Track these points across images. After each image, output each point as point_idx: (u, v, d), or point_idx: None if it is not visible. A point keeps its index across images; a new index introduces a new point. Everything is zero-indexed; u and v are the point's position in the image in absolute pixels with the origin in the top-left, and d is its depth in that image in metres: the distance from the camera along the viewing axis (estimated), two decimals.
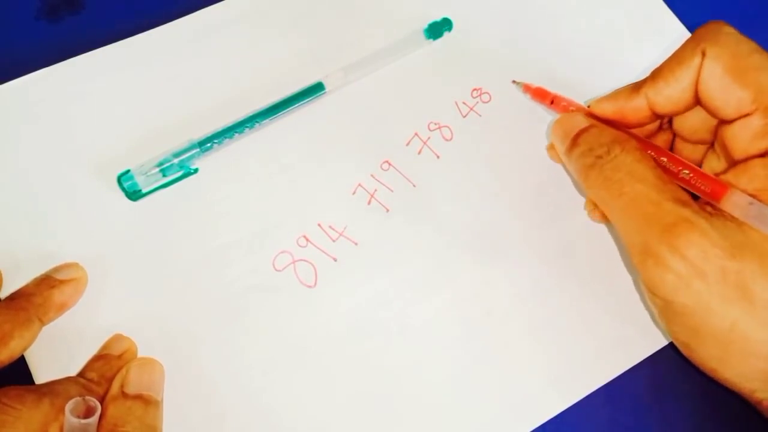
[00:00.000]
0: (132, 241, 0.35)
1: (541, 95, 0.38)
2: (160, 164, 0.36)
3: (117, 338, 0.33)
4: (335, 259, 0.36)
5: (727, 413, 0.34)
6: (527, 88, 0.38)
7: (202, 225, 0.36)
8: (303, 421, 0.33)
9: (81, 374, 0.32)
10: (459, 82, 0.40)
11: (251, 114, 0.37)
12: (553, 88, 0.38)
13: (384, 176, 0.38)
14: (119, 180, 0.35)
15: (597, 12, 0.43)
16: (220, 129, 0.37)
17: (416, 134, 0.39)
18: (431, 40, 0.40)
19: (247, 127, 0.37)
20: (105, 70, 0.39)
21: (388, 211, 0.37)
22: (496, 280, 0.36)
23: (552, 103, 0.37)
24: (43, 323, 0.32)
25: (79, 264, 0.34)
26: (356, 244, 0.36)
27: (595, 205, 0.35)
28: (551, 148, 0.37)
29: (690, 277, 0.28)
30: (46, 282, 0.33)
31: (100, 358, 0.32)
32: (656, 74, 0.33)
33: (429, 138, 0.39)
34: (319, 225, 0.36)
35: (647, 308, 0.36)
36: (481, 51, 0.41)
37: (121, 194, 0.36)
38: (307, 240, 0.36)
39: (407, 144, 0.39)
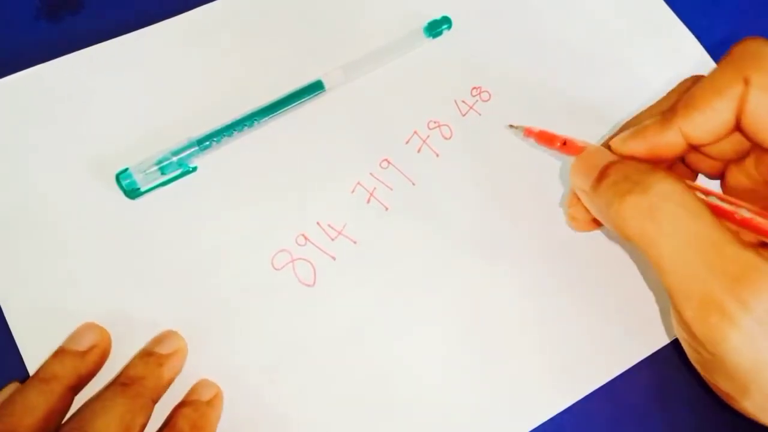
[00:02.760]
0: (130, 240, 0.35)
1: (547, 139, 0.33)
2: (159, 162, 0.35)
3: (204, 384, 0.32)
4: (334, 258, 0.36)
5: (727, 413, 0.34)
6: (529, 132, 0.33)
7: (201, 223, 0.36)
8: (302, 421, 0.33)
9: (168, 423, 0.31)
10: (459, 81, 0.40)
11: (250, 112, 0.37)
12: (553, 87, 0.38)
13: (383, 175, 0.38)
14: (118, 178, 0.35)
15: (597, 11, 0.42)
16: (219, 127, 0.37)
17: (416, 133, 0.39)
18: (431, 38, 0.40)
19: (246, 125, 0.37)
20: (103, 67, 0.39)
21: (387, 209, 0.37)
22: (495, 279, 0.36)
23: (564, 145, 0.32)
24: (155, 403, 0.31)
25: (176, 332, 0.33)
26: (355, 242, 0.36)
27: (586, 213, 0.31)
28: (574, 204, 0.32)
29: (758, 336, 0.24)
30: (154, 361, 0.31)
31: (188, 404, 0.31)
32: (689, 104, 0.28)
33: (428, 136, 0.39)
34: (318, 224, 0.36)
35: (647, 309, 0.35)
36: (481, 50, 0.41)
37: (120, 192, 0.36)
38: (306, 239, 0.36)
39: (407, 142, 0.39)
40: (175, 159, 0.36)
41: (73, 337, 0.32)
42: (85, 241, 0.35)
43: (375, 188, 0.37)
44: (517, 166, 0.38)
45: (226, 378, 0.33)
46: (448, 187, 0.38)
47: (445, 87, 0.40)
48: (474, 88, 0.40)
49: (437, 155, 0.38)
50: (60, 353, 0.31)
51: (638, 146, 0.29)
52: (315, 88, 0.38)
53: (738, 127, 0.28)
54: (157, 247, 0.35)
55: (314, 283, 0.35)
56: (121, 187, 0.35)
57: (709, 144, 0.29)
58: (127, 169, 0.35)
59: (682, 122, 0.28)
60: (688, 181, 0.28)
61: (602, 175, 0.28)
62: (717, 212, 0.27)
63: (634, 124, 0.30)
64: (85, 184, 0.36)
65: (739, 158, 0.30)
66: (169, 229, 0.36)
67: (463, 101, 0.40)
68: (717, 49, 0.41)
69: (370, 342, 0.34)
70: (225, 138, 0.37)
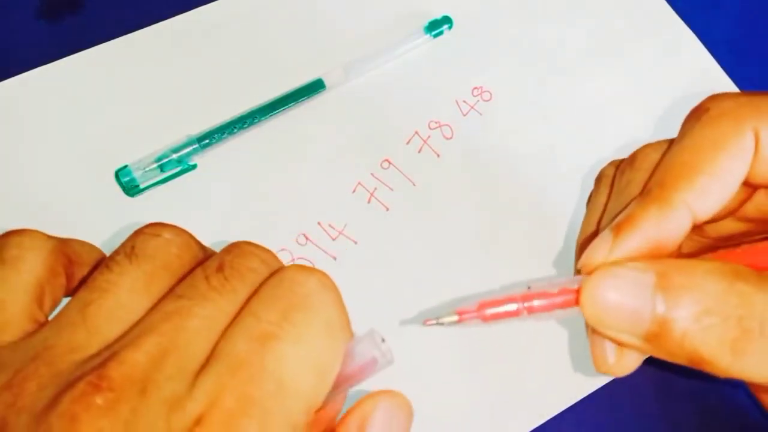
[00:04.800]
0: None
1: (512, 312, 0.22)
2: (159, 160, 0.35)
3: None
4: (335, 258, 0.36)
5: (728, 413, 0.34)
6: (463, 315, 0.22)
7: (200, 222, 0.36)
8: None
9: None
10: (460, 81, 0.40)
11: (250, 110, 0.37)
12: (554, 87, 0.38)
13: (384, 175, 0.38)
14: (117, 175, 0.35)
15: (598, 11, 0.42)
16: (218, 125, 0.37)
17: (416, 133, 0.39)
18: (432, 37, 0.40)
19: (246, 123, 0.37)
20: (104, 66, 0.39)
21: (387, 209, 0.37)
22: (495, 279, 0.36)
23: (559, 302, 0.21)
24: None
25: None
26: (356, 242, 0.36)
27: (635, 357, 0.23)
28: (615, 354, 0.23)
29: None
30: None
31: None
32: (691, 171, 0.22)
33: (429, 137, 0.39)
34: (318, 223, 0.36)
35: None
36: (482, 49, 0.41)
37: (119, 189, 0.35)
38: (307, 238, 0.36)
39: (407, 142, 0.38)
40: (174, 156, 0.36)
41: None
42: (84, 237, 0.35)
43: (376, 188, 0.37)
44: (518, 166, 0.38)
45: None
46: (449, 187, 0.37)
47: (446, 87, 0.40)
48: (475, 87, 0.40)
49: (438, 155, 0.38)
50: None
51: (633, 243, 0.21)
52: (315, 86, 0.38)
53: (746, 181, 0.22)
54: None
55: None
56: (121, 184, 0.35)
57: (721, 217, 0.23)
58: (126, 166, 0.35)
59: (689, 195, 0.21)
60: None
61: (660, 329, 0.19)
62: None
63: (585, 242, 0.24)
64: (84, 182, 0.36)
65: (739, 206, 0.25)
66: None
67: (464, 101, 0.40)
68: (717, 48, 0.41)
69: None
70: (225, 136, 0.36)
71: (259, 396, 0.17)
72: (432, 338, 0.34)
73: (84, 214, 0.35)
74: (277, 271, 0.20)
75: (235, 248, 0.20)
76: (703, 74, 0.41)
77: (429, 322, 0.23)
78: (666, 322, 0.19)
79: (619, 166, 0.25)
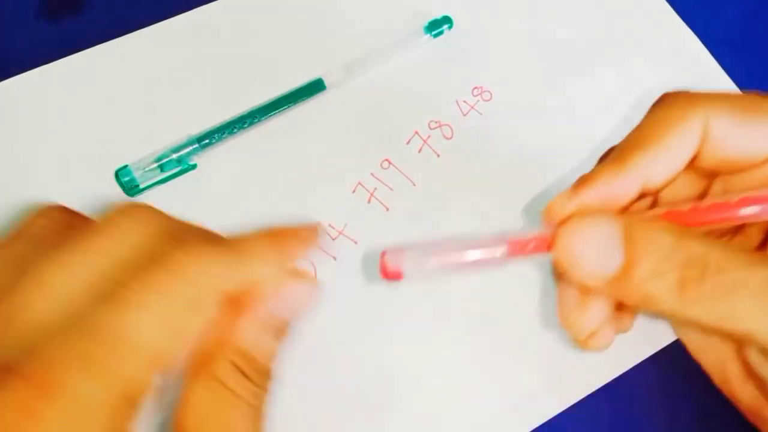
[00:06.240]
0: None
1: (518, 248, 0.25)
2: (158, 160, 0.35)
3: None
4: (335, 258, 0.36)
5: (729, 413, 0.34)
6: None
7: (200, 221, 0.36)
8: (301, 421, 0.33)
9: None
10: (460, 81, 0.40)
11: (250, 110, 0.37)
12: (554, 87, 0.37)
13: (384, 175, 0.38)
14: (117, 175, 0.35)
15: (598, 10, 0.42)
16: (219, 125, 0.37)
17: (416, 133, 0.39)
18: (432, 37, 0.40)
19: (246, 123, 0.37)
20: (104, 66, 0.39)
21: (387, 209, 0.37)
22: (495, 279, 0.36)
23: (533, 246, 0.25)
24: None
25: None
26: (356, 242, 0.36)
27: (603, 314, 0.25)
28: (580, 308, 0.25)
29: None
30: None
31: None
32: (643, 142, 0.25)
33: (429, 137, 0.39)
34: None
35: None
36: (482, 49, 0.41)
37: (119, 189, 0.35)
38: None
39: (407, 142, 0.38)
40: (174, 156, 0.36)
41: None
42: None
43: (376, 188, 0.37)
44: (518, 166, 0.38)
45: None
46: (449, 187, 0.37)
47: (446, 87, 0.40)
48: (475, 87, 0.40)
49: (438, 155, 0.38)
50: None
51: (589, 197, 0.24)
52: (316, 86, 0.38)
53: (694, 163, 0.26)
54: None
55: None
56: (121, 184, 0.35)
57: (665, 185, 0.26)
58: (126, 166, 0.35)
59: (643, 162, 0.25)
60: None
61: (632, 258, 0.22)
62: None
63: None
64: (84, 182, 0.36)
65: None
66: None
67: (464, 101, 0.40)
68: (718, 47, 0.41)
69: (370, 342, 0.34)
70: (225, 136, 0.36)
71: (96, 352, 0.18)
72: (432, 338, 0.34)
73: (85, 214, 0.35)
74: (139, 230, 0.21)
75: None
76: (703, 74, 0.41)
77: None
78: (628, 268, 0.22)
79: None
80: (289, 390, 0.33)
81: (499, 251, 0.25)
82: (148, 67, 0.39)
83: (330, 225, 0.36)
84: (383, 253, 0.25)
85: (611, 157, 0.25)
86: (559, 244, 0.23)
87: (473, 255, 0.25)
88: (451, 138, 0.39)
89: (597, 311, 0.25)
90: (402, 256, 0.24)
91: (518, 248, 0.25)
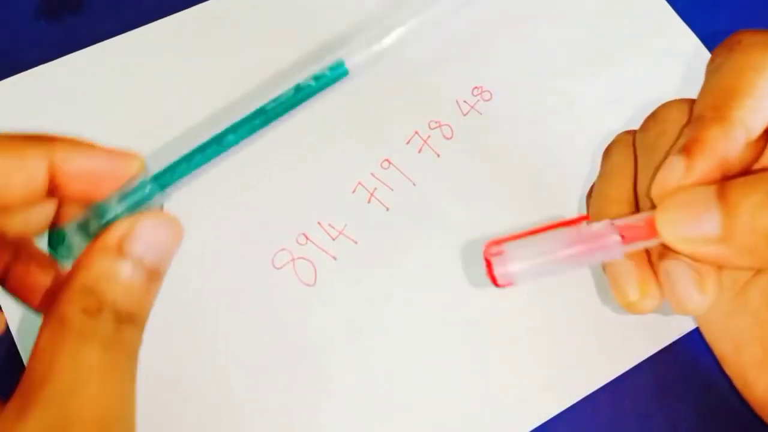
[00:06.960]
0: None
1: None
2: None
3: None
4: (335, 258, 0.36)
5: (729, 414, 0.34)
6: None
7: (200, 222, 0.36)
8: (301, 421, 0.33)
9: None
10: (460, 81, 0.40)
11: (251, 112, 0.37)
12: (554, 86, 0.38)
13: (384, 175, 0.38)
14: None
15: (597, 10, 0.42)
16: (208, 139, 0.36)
17: (416, 133, 0.39)
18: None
19: (226, 146, 0.36)
20: (104, 65, 0.39)
21: (387, 209, 0.37)
22: None
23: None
24: None
25: None
26: (356, 242, 0.36)
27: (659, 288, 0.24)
28: (647, 281, 0.24)
29: None
30: None
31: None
32: (738, 92, 0.23)
33: (429, 137, 0.39)
34: (318, 223, 0.36)
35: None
36: (482, 49, 0.41)
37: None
38: (307, 238, 0.36)
39: (407, 142, 0.38)
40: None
41: None
42: None
43: (376, 188, 0.37)
44: (518, 166, 0.38)
45: (225, 377, 0.33)
46: (449, 187, 0.38)
47: (447, 87, 0.40)
48: (475, 87, 0.40)
49: (438, 155, 0.38)
50: None
51: (706, 164, 0.22)
52: (336, 71, 0.35)
53: None
54: None
55: (314, 282, 0.35)
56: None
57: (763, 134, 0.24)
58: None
59: (742, 113, 0.23)
60: None
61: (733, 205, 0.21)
62: None
63: (614, 204, 0.26)
64: None
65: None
66: None
67: (465, 101, 0.40)
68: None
69: (370, 342, 0.34)
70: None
71: None
72: (432, 338, 0.34)
73: None
74: None
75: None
76: (704, 74, 0.41)
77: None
78: (728, 218, 0.21)
79: (642, 126, 0.27)
80: (286, 389, 0.33)
81: (612, 240, 0.23)
82: (149, 66, 0.39)
83: (330, 225, 0.36)
84: (489, 263, 0.24)
85: (706, 115, 0.23)
86: (659, 222, 0.22)
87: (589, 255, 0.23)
88: (451, 138, 0.39)
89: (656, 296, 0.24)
90: (508, 261, 0.24)
91: (634, 234, 0.23)
